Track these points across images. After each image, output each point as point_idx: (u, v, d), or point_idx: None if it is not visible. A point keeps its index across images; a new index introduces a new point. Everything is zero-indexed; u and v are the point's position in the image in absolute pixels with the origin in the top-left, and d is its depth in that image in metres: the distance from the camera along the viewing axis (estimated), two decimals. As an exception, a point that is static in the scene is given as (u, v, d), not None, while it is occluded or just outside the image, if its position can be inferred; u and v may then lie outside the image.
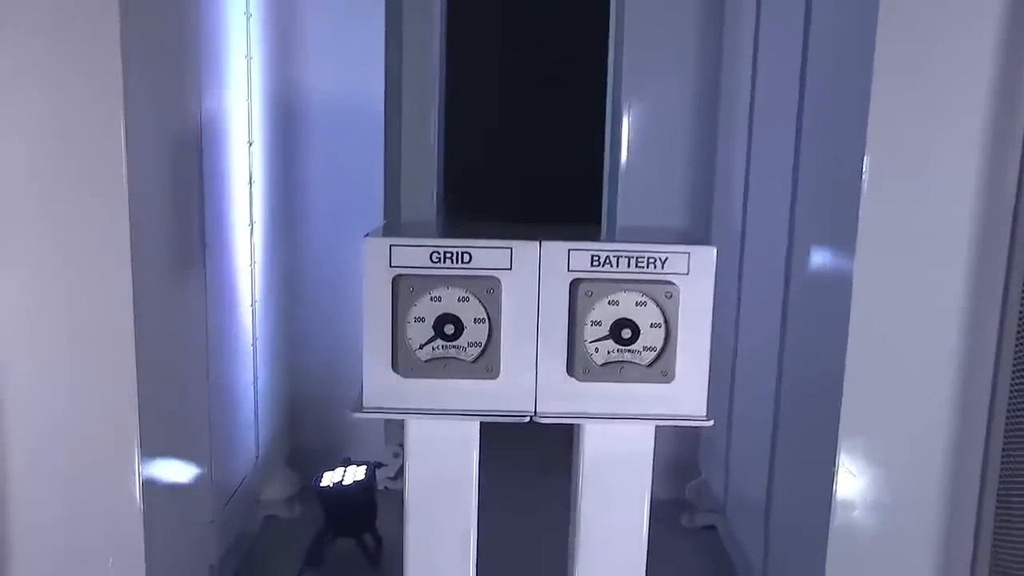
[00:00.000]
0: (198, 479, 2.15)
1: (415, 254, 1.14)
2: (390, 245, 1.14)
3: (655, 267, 1.15)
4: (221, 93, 2.31)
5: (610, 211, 2.89)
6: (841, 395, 1.76)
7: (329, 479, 2.46)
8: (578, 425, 1.21)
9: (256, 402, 2.58)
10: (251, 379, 2.55)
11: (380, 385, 1.16)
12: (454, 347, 1.15)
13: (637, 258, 1.14)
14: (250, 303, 2.51)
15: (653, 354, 1.15)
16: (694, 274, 1.15)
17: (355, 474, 2.47)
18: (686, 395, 1.17)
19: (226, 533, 2.33)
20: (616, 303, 1.15)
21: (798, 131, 2.09)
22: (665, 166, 2.82)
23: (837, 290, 1.77)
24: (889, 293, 1.72)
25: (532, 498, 2.81)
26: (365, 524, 2.46)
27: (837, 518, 1.81)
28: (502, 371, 1.16)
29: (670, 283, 1.14)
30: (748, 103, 2.49)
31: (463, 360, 1.15)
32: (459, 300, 1.14)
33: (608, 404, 1.17)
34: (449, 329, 1.14)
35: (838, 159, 1.86)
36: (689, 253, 1.15)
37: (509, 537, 2.39)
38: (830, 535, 1.81)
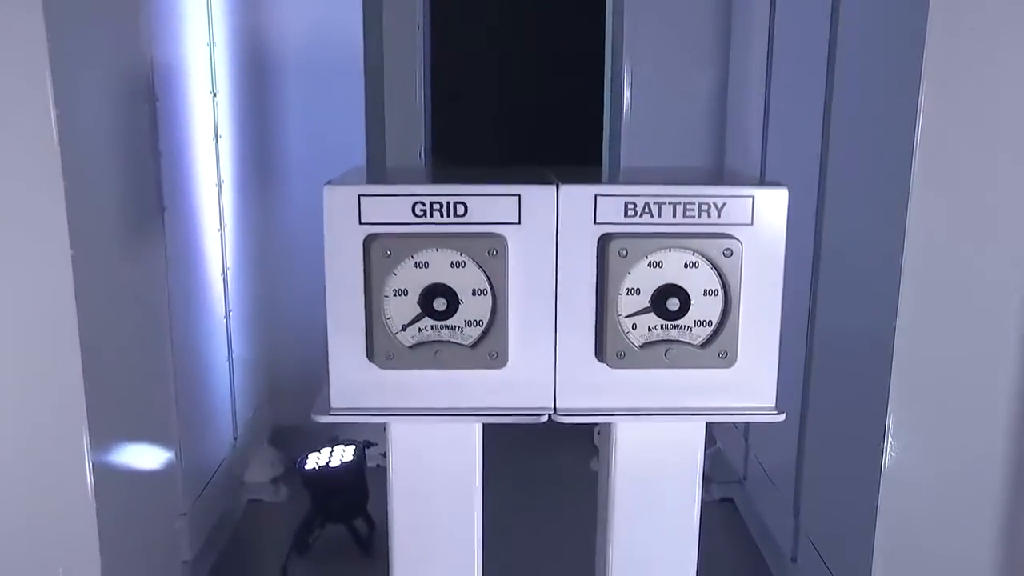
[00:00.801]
0: (165, 467, 1.86)
1: (393, 206, 0.82)
2: (359, 195, 0.82)
3: (709, 216, 0.83)
4: (177, 37, 1.97)
5: (612, 157, 2.58)
6: (891, 356, 1.48)
7: (315, 461, 2.17)
8: (610, 424, 0.91)
9: (232, 378, 2.28)
10: (225, 354, 2.25)
11: (352, 379, 0.86)
12: (447, 328, 0.84)
13: (686, 204, 0.83)
14: (221, 271, 2.20)
15: (708, 330, 0.85)
16: (760, 224, 0.84)
17: (343, 454, 2.19)
18: (751, 382, 0.86)
19: (203, 523, 2.04)
20: (659, 265, 0.83)
21: (830, 60, 1.78)
22: (671, 106, 2.50)
23: (886, 238, 1.49)
24: (948, 239, 1.45)
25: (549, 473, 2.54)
26: (356, 508, 2.18)
27: (886, 493, 1.53)
28: (511, 357, 0.85)
29: (730, 236, 0.83)
30: (766, 33, 2.16)
31: (459, 344, 0.84)
32: (452, 266, 0.83)
33: (650, 397, 0.86)
34: (440, 304, 0.83)
35: (884, 90, 1.55)
36: (753, 196, 0.83)
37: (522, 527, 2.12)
38: (879, 511, 1.54)
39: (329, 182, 0.84)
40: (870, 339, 1.59)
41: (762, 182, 0.86)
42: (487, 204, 0.83)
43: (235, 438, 2.30)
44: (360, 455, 2.19)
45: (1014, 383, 1.50)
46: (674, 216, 0.83)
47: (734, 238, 0.83)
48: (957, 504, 1.56)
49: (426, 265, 0.83)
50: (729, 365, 0.85)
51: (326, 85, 2.45)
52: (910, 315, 1.48)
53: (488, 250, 0.83)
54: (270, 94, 2.46)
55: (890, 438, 1.53)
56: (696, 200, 0.83)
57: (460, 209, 0.83)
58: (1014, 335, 1.48)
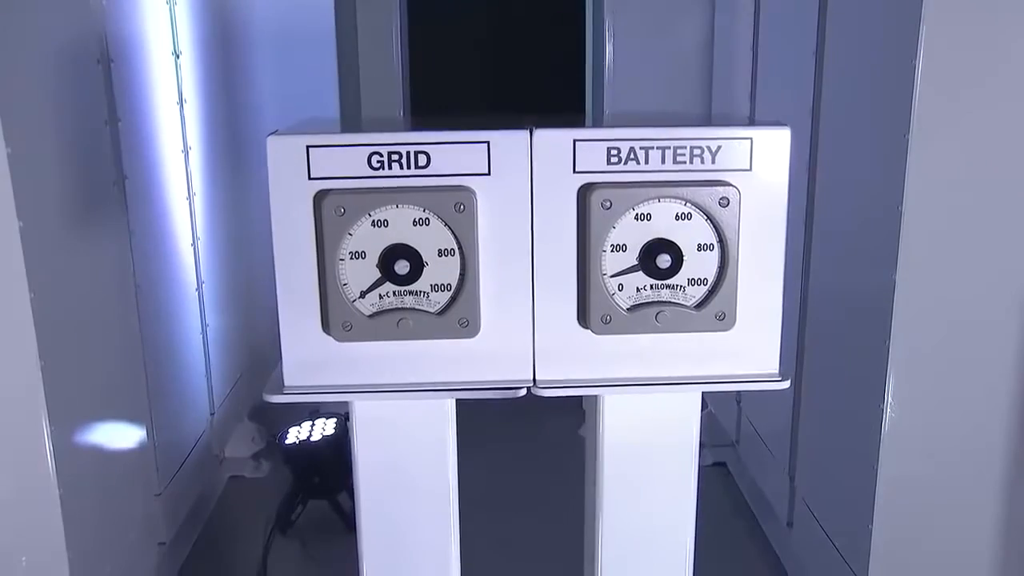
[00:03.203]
0: (137, 447, 1.76)
1: (346, 157, 0.72)
2: (307, 145, 0.72)
3: (703, 161, 0.73)
4: (132, -8, 1.84)
5: (596, 108, 2.47)
6: (891, 313, 1.40)
7: (295, 435, 2.09)
8: (597, 396, 0.81)
9: (207, 352, 2.18)
10: (199, 327, 2.14)
11: (307, 354, 0.76)
12: (411, 294, 0.74)
13: (676, 149, 0.73)
14: (191, 241, 2.09)
15: (704, 290, 0.75)
16: (760, 170, 0.74)
17: (324, 428, 2.10)
18: (751, 346, 0.77)
19: (180, 503, 1.96)
20: (647, 217, 0.74)
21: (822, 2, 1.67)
22: (654, 55, 2.40)
23: (884, 189, 1.39)
24: (950, 189, 1.36)
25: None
26: (339, 483, 2.09)
27: (886, 455, 1.46)
28: (483, 325, 0.75)
29: (726, 184, 0.73)
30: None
31: (425, 312, 0.75)
32: (415, 224, 0.73)
33: (639, 365, 0.77)
34: (402, 267, 0.73)
35: (881, 31, 1.45)
36: (752, 139, 0.73)
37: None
38: (879, 474, 1.46)
39: (274, 132, 0.74)
40: (868, 295, 1.50)
41: (761, 122, 0.76)
42: (453, 153, 0.73)
43: (212, 413, 2.21)
44: (342, 428, 2.10)
45: (1018, 340, 1.42)
46: (663, 162, 0.73)
47: (731, 185, 0.73)
48: (959, 466, 1.48)
49: (385, 224, 0.73)
50: (727, 328, 0.76)
51: (298, 43, 2.33)
52: (910, 270, 1.39)
53: (455, 205, 0.72)
54: (238, 55, 2.34)
55: (890, 398, 1.45)
56: (687, 144, 0.73)
57: (422, 160, 0.73)
58: (1019, 290, 1.40)
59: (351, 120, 2.43)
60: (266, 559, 1.96)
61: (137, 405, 1.77)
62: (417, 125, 0.79)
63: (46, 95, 1.44)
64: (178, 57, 2.03)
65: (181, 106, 2.04)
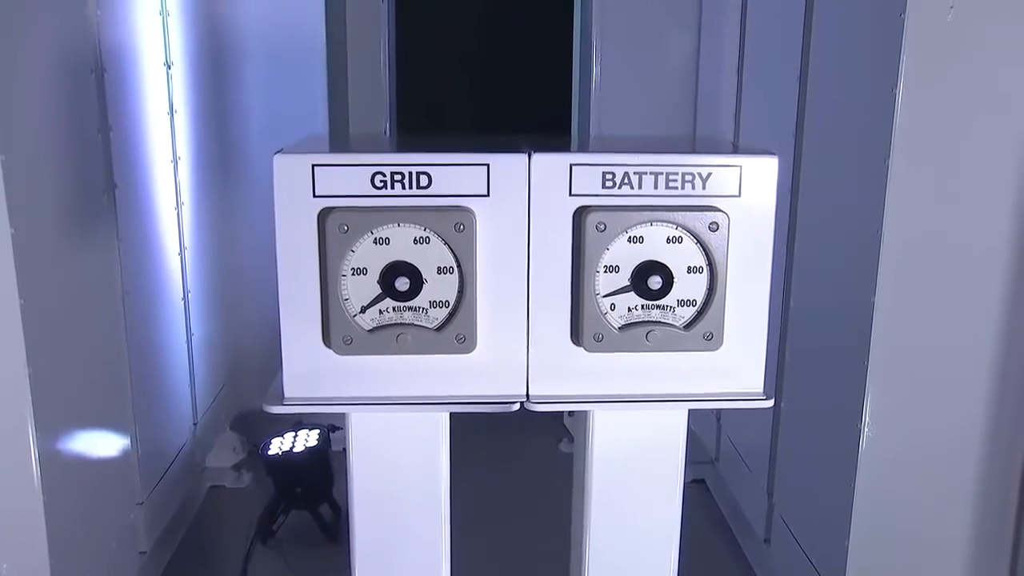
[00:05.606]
0: (120, 455, 1.77)
1: (350, 176, 0.75)
2: (312, 164, 0.75)
3: (694, 187, 0.77)
4: (126, 4, 1.86)
5: (581, 129, 2.51)
6: (869, 334, 1.44)
7: (278, 446, 2.10)
8: (587, 412, 0.84)
9: (191, 361, 2.19)
10: (184, 337, 2.15)
11: (307, 366, 0.78)
12: (410, 309, 0.77)
13: (669, 174, 0.76)
14: (178, 250, 2.10)
15: (692, 311, 0.78)
16: (749, 196, 0.77)
17: (307, 439, 2.11)
18: (737, 366, 0.80)
19: (161, 512, 1.96)
20: (640, 240, 0.77)
21: (807, 25, 1.71)
22: (640, 76, 2.44)
23: (864, 212, 1.43)
24: (929, 213, 1.40)
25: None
26: (320, 494, 2.11)
27: (863, 473, 1.49)
28: (480, 341, 0.78)
29: (716, 209, 0.76)
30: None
31: (424, 327, 0.77)
32: (416, 242, 0.76)
33: (629, 382, 0.80)
34: (402, 284, 0.75)
35: (863, 56, 1.49)
36: (741, 166, 0.77)
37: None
38: (855, 492, 1.50)
39: (280, 150, 0.76)
40: (847, 316, 1.54)
41: (750, 150, 0.79)
42: (453, 174, 0.75)
43: (195, 423, 2.21)
44: (324, 439, 2.11)
45: (993, 363, 1.46)
46: (656, 187, 0.76)
47: (720, 211, 0.76)
48: (934, 485, 1.52)
49: (387, 241, 0.75)
50: (714, 348, 0.79)
51: (288, 57, 2.35)
52: (888, 292, 1.43)
53: (454, 225, 0.75)
54: (229, 66, 2.36)
55: (867, 417, 1.49)
56: (679, 170, 0.76)
57: (424, 180, 0.75)
58: (995, 314, 1.44)
59: (341, 135, 2.46)
60: (246, 569, 1.96)
61: (122, 413, 1.77)
62: (417, 146, 0.81)
63: (40, 104, 1.45)
64: (170, 68, 2.04)
65: (172, 116, 2.05)
